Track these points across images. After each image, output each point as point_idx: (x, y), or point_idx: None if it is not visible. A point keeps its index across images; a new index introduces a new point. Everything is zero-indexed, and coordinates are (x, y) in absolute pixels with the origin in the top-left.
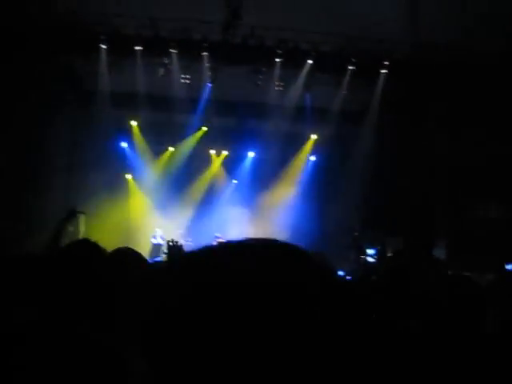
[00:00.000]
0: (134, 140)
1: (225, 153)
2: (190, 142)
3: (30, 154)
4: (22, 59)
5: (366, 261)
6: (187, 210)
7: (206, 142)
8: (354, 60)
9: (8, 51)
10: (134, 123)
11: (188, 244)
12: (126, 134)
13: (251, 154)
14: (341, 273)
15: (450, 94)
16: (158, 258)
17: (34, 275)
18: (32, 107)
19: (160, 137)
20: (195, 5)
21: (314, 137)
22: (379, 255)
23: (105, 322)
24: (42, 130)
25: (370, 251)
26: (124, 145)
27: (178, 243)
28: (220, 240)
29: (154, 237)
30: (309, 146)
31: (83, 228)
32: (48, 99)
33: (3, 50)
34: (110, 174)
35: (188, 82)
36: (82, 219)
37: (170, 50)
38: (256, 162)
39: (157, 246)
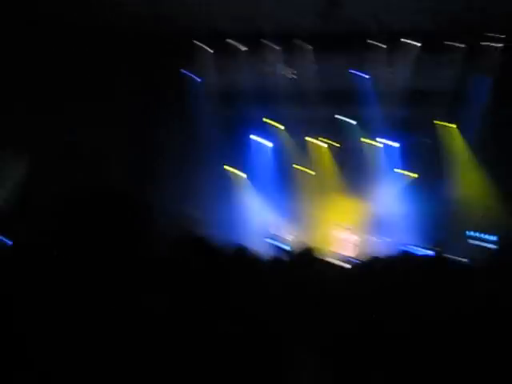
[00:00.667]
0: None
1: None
2: None
3: (145, 158)
4: (125, 65)
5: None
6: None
7: (313, 132)
8: (462, 36)
9: (112, 53)
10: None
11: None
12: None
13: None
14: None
15: None
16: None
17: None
18: (140, 108)
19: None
20: None
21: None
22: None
23: None
24: (153, 132)
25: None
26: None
27: None
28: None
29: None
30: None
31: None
32: (157, 103)
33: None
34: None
35: (294, 76)
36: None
37: (274, 47)
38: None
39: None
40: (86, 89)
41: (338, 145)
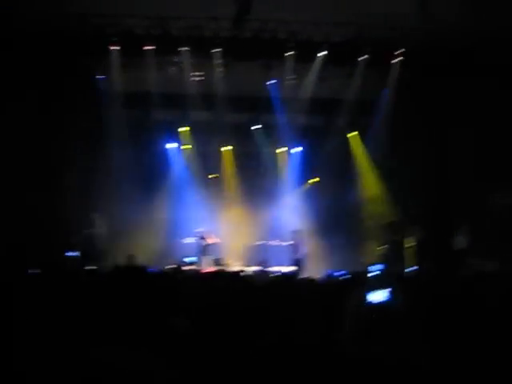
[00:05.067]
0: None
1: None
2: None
3: (49, 155)
4: (33, 61)
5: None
6: (206, 207)
7: (220, 138)
8: (366, 49)
9: (20, 55)
10: None
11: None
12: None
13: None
14: None
15: (466, 79)
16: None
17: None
18: (48, 110)
19: (175, 134)
20: (205, 1)
21: None
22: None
23: None
24: (59, 130)
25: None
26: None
27: None
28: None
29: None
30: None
31: (104, 229)
32: (62, 101)
33: (17, 53)
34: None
35: (200, 78)
36: (99, 221)
37: (181, 48)
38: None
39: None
40: None
41: (243, 150)
